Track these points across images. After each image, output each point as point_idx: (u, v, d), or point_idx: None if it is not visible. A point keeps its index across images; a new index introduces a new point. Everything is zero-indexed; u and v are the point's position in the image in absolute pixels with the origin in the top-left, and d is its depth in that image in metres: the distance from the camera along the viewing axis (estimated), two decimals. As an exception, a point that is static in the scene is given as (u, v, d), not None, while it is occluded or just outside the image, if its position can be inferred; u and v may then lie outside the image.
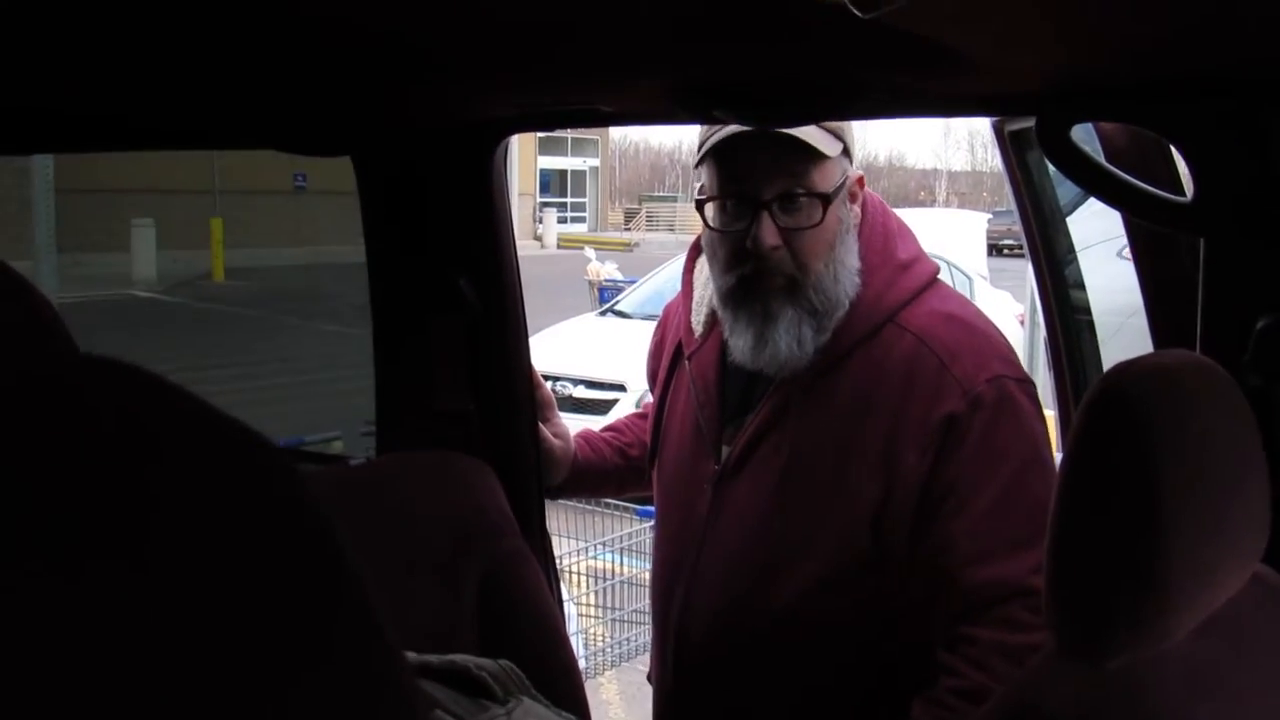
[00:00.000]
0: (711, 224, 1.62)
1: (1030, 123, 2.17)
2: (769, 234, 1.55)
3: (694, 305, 1.78)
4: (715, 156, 1.58)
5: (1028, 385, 1.56)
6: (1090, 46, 1.03)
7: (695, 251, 1.81)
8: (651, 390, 1.92)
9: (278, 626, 0.35)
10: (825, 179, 1.56)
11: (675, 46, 1.14)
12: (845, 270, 1.59)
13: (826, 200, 1.55)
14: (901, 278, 1.62)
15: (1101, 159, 1.34)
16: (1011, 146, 2.24)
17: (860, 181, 1.65)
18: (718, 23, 1.00)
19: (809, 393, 1.60)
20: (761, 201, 1.55)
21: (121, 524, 0.33)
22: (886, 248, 1.64)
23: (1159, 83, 1.16)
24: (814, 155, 1.53)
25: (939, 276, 1.67)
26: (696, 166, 1.65)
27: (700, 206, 1.64)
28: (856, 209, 1.64)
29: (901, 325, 1.58)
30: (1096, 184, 1.24)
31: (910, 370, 1.54)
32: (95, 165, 14.87)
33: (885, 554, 1.55)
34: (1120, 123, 1.44)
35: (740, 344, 1.61)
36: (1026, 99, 1.29)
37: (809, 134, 1.52)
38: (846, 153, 1.60)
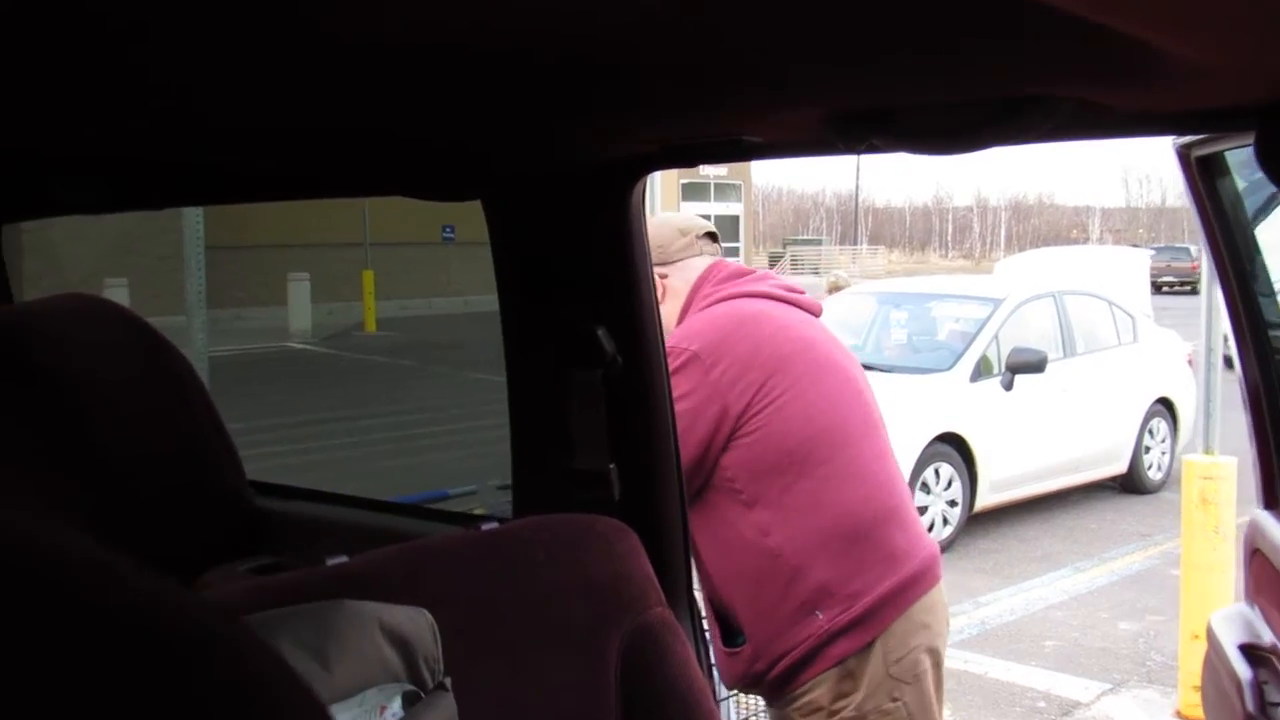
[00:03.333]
0: None
1: (1218, 147, 1.98)
2: None
3: None
4: None
5: (690, 355, 2.29)
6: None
7: None
8: None
9: None
10: None
11: (835, 69, 1.01)
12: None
13: None
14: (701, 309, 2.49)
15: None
16: (1199, 173, 2.05)
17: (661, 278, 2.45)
18: (885, 37, 0.87)
19: None
20: None
21: None
22: (698, 307, 2.50)
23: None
24: None
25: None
26: None
27: None
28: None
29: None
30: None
31: None
32: (250, 223, 15.47)
33: None
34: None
35: None
36: (1240, 112, 1.12)
37: None
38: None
